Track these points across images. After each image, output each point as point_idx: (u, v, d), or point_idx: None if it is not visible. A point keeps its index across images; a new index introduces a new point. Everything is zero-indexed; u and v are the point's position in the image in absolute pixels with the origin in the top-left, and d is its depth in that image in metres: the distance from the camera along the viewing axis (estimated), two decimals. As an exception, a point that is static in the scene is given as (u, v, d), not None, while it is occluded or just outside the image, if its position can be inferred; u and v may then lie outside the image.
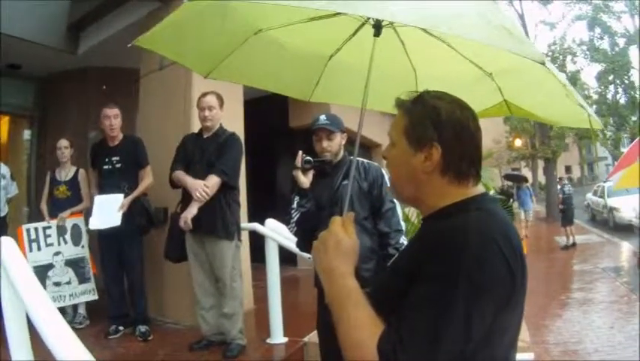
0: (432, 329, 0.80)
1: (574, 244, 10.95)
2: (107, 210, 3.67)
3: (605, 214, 15.31)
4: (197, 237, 3.29)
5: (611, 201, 14.26)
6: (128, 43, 1.51)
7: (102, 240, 3.81)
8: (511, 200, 12.39)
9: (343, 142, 2.51)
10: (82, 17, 4.96)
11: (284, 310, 3.65)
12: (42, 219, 4.09)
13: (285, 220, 2.43)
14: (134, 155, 3.86)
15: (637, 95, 22.17)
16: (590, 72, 64.88)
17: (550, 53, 20.41)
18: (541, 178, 27.01)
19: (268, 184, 7.18)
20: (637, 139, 5.33)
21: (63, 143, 4.28)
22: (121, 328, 3.77)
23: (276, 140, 7.44)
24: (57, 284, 3.87)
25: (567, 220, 11.25)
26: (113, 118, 3.82)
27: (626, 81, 22.70)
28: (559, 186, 13.42)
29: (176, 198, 3.45)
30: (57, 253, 3.95)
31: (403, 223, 2.46)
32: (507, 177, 15.62)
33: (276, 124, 7.19)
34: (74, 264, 3.98)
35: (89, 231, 3.97)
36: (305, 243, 2.42)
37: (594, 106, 22.79)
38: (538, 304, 5.74)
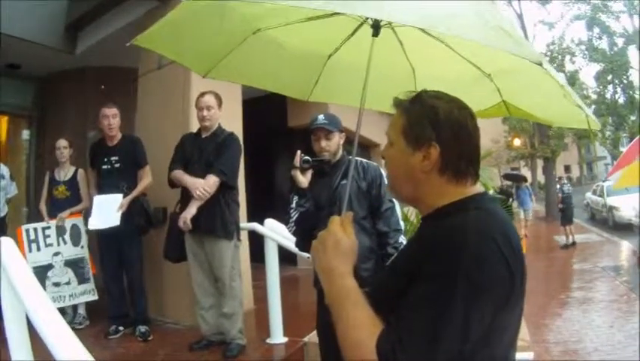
0: (431, 329, 0.80)
1: (573, 243, 10.96)
2: (106, 210, 3.67)
3: (605, 213, 15.32)
4: (197, 237, 3.29)
5: (611, 200, 14.26)
6: (126, 42, 1.51)
7: (101, 240, 3.80)
8: (511, 199, 12.35)
9: (342, 142, 2.51)
10: (80, 17, 4.95)
11: (284, 310, 3.64)
12: (41, 219, 4.08)
13: (284, 220, 2.43)
14: (133, 154, 3.86)
15: (636, 95, 22.25)
16: (588, 72, 64.81)
17: (548, 53, 20.45)
18: (541, 178, 27.01)
19: (267, 184, 7.18)
20: (636, 138, 5.33)
21: (62, 143, 4.27)
22: (121, 328, 3.77)
23: (275, 139, 7.42)
24: (57, 285, 3.86)
25: (566, 219, 11.26)
26: (111, 118, 3.82)
27: (625, 81, 22.79)
28: (558, 186, 13.47)
29: (175, 198, 3.45)
30: (56, 254, 3.95)
31: (401, 223, 2.46)
32: (506, 176, 15.59)
33: (275, 124, 7.18)
34: (74, 264, 3.98)
35: (88, 231, 3.97)
36: (304, 242, 2.42)
37: (593, 106, 22.90)
38: (537, 304, 5.75)
